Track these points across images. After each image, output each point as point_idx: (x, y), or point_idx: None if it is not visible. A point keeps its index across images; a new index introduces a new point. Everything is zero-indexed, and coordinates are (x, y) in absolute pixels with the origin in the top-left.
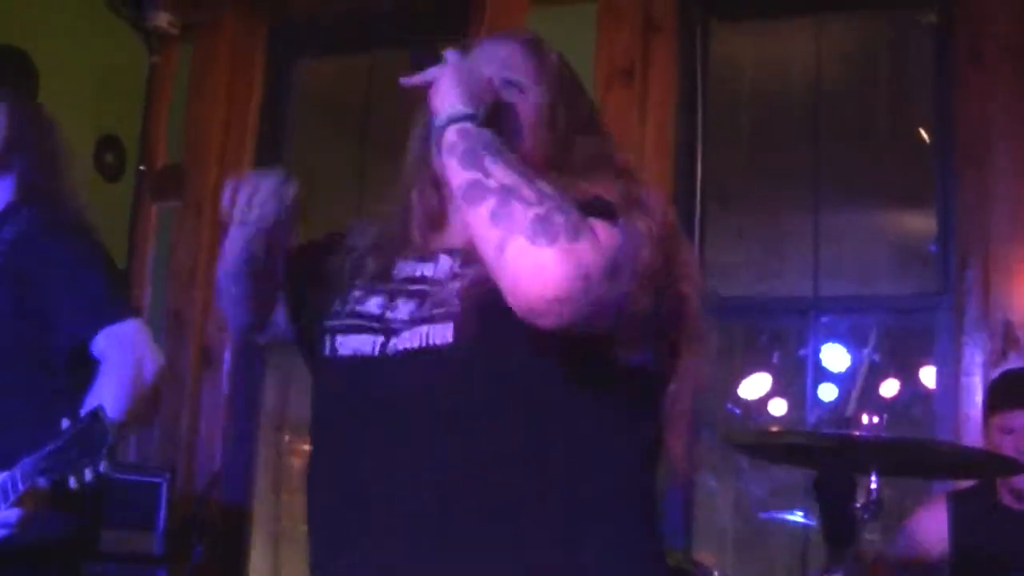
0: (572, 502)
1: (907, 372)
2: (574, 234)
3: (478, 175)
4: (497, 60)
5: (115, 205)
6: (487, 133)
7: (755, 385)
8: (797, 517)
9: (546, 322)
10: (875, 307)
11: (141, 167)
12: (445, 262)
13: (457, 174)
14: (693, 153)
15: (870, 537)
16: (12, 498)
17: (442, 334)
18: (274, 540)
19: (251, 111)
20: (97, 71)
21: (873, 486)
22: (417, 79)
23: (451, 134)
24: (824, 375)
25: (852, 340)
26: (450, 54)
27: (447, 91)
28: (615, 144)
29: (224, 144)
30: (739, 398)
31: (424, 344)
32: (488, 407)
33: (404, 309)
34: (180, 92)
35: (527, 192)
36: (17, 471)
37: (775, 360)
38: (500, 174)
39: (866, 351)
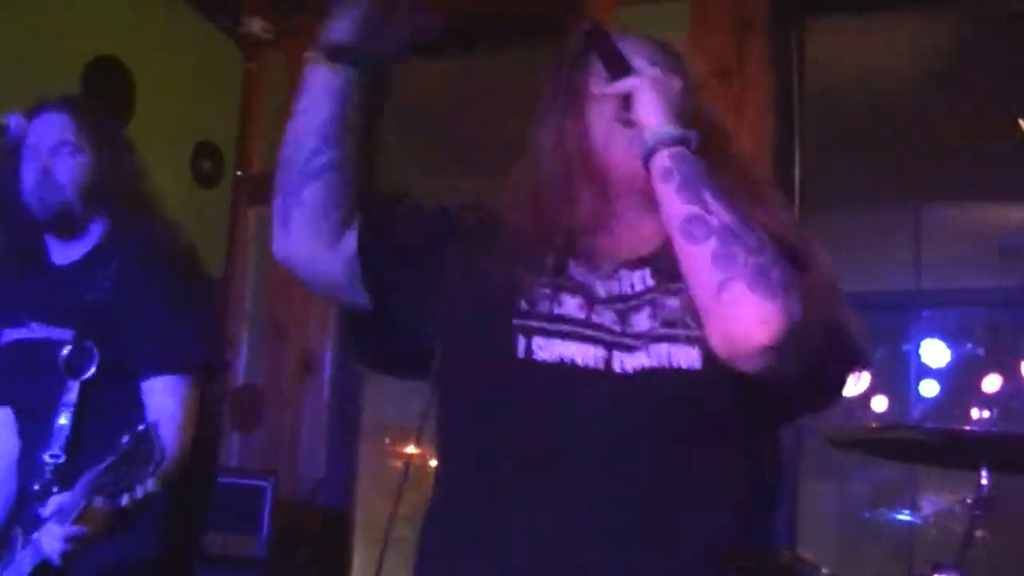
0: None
1: (1009, 366)
2: (790, 288)
3: (698, 209)
4: (647, 56)
5: (213, 211)
6: (701, 162)
7: (856, 382)
8: (903, 516)
9: (746, 366)
10: (977, 301)
11: (238, 173)
12: (639, 275)
13: (674, 204)
14: (791, 152)
15: (981, 534)
16: (73, 516)
17: (688, 357)
18: (376, 544)
19: None
20: (193, 78)
21: (984, 482)
22: (614, 88)
23: (664, 159)
24: (926, 371)
25: (953, 335)
26: (639, 62)
27: (652, 106)
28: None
29: None
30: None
31: (668, 364)
32: (730, 436)
33: (607, 316)
34: (276, 97)
35: (748, 238)
36: (78, 488)
37: (876, 356)
38: (721, 212)
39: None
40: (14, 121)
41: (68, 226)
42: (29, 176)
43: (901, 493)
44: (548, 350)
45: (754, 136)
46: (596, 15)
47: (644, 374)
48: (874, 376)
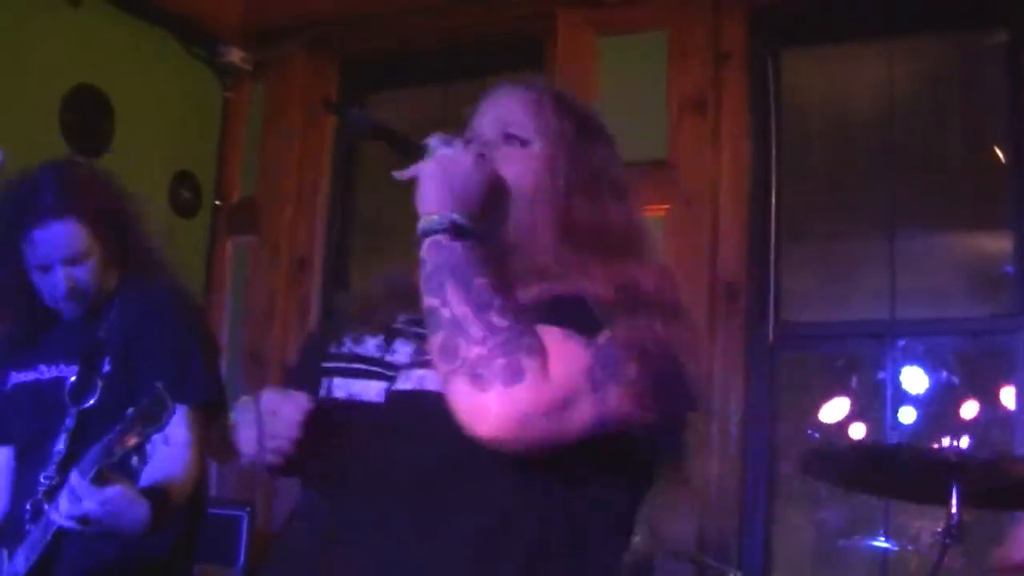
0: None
1: (986, 394)
2: (512, 377)
3: (436, 302)
4: (498, 112)
5: (191, 241)
6: (458, 249)
7: (834, 410)
8: (878, 543)
9: (496, 448)
10: (952, 329)
11: (216, 202)
12: None
13: (423, 295)
14: (767, 181)
15: (951, 564)
16: (92, 473)
17: (435, 381)
18: None
19: (324, 145)
20: (172, 108)
21: (954, 511)
22: (406, 174)
23: (423, 249)
24: (903, 398)
25: (930, 363)
26: (435, 142)
27: (428, 193)
28: (633, 204)
29: (298, 178)
30: (819, 423)
31: (418, 388)
32: (469, 459)
33: (403, 351)
34: (254, 127)
35: (475, 329)
36: (86, 458)
37: (853, 384)
38: (455, 304)
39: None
40: None
41: (91, 313)
42: (52, 292)
43: (876, 521)
44: (343, 389)
45: (732, 165)
46: (575, 45)
47: (399, 397)
48: (852, 403)
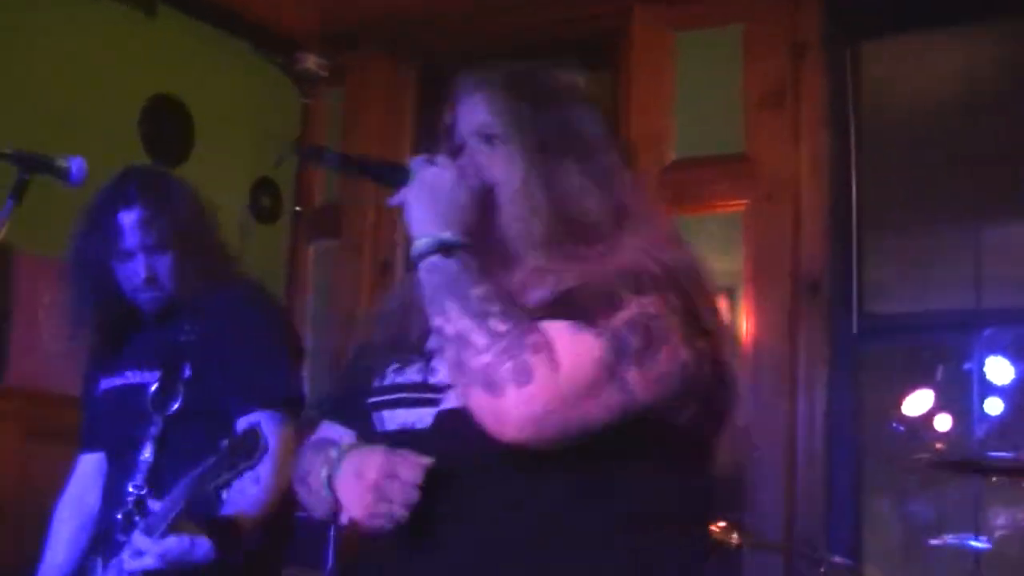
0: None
1: None
2: (523, 377)
3: (441, 321)
4: (470, 116)
5: (272, 247)
6: (451, 266)
7: (919, 401)
8: (970, 540)
9: (528, 447)
10: None
11: (297, 208)
12: None
13: (429, 317)
14: (848, 173)
15: None
16: (165, 525)
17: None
18: None
19: (404, 149)
20: (250, 116)
21: None
22: (394, 201)
23: (421, 274)
24: (990, 389)
25: (1017, 353)
26: (417, 163)
27: (415, 217)
28: (628, 176)
29: None
30: (903, 415)
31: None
32: (522, 467)
33: (444, 370)
34: (333, 132)
35: (477, 338)
36: (172, 494)
37: (938, 376)
38: (456, 318)
39: None
40: (75, 165)
41: (170, 313)
42: (132, 278)
43: (967, 515)
44: (393, 420)
45: (811, 157)
46: (651, 41)
47: (447, 415)
48: (937, 395)
